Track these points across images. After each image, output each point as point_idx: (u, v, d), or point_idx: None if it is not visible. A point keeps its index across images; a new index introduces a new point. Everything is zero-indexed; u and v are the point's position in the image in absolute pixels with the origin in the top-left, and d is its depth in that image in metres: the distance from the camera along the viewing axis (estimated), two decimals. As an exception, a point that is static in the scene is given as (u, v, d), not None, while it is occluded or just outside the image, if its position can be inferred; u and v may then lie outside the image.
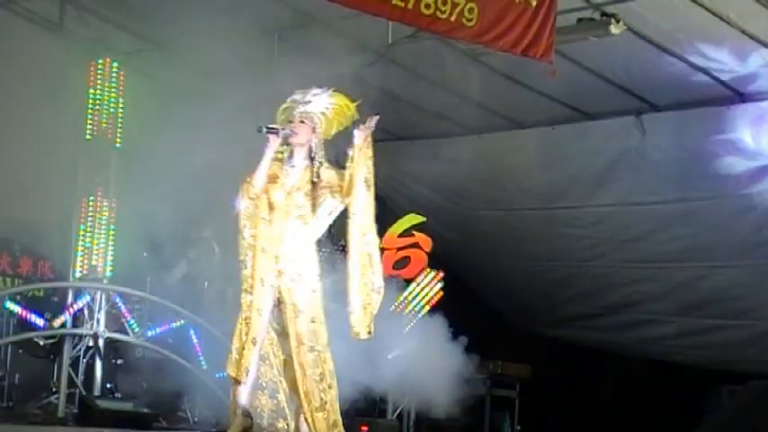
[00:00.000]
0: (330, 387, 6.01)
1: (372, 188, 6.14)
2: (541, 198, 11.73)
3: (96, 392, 8.58)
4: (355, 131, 6.07)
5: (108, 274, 8.93)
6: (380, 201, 12.61)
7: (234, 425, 5.89)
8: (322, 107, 6.10)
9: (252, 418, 5.91)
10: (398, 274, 10.52)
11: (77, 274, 8.86)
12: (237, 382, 5.90)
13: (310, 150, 6.06)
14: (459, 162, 11.91)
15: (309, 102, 6.08)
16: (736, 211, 10.63)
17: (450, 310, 10.50)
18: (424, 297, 10.63)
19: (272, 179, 5.98)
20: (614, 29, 8.72)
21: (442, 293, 10.69)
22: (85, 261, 8.86)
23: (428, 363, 10.00)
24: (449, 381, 9.89)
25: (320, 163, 6.06)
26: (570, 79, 9.77)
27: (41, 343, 8.50)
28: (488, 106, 11.24)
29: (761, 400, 8.78)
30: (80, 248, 8.86)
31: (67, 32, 9.81)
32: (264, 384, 6.00)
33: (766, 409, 8.66)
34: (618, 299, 12.18)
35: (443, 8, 7.56)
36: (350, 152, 6.05)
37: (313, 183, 6.01)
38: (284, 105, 6.17)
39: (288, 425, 6.00)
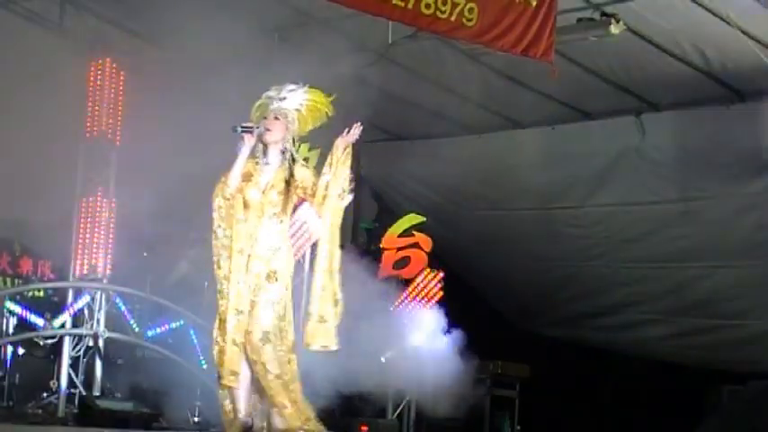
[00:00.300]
0: (295, 387, 5.90)
1: (346, 198, 6.04)
2: (541, 198, 11.73)
3: (96, 392, 8.58)
4: (337, 140, 6.01)
5: (108, 274, 8.92)
6: (380, 200, 12.76)
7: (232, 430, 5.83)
8: (297, 104, 5.98)
9: (252, 423, 5.85)
10: (398, 274, 10.53)
11: (77, 274, 8.85)
12: (227, 386, 5.81)
13: (286, 148, 5.98)
14: (460, 162, 11.91)
15: (284, 98, 5.96)
16: (735, 211, 10.63)
17: (449, 310, 10.50)
18: (423, 297, 10.62)
19: (247, 177, 5.88)
20: (614, 29, 8.72)
21: (441, 293, 10.68)
22: (85, 261, 8.86)
23: (428, 363, 10.01)
24: (449, 381, 9.89)
25: (293, 160, 5.96)
26: (570, 79, 9.77)
27: (41, 343, 8.50)
28: (488, 106, 11.25)
29: (760, 400, 8.78)
30: (80, 248, 8.86)
31: (67, 32, 9.80)
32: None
33: (766, 409, 8.66)
34: (618, 299, 12.17)
35: (443, 8, 7.57)
36: (328, 159, 5.97)
37: (287, 181, 5.91)
38: (259, 102, 6.06)
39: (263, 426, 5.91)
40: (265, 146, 5.94)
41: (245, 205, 5.87)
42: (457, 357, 10.01)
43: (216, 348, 5.83)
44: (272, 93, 6.00)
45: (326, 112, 6.10)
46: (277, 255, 5.90)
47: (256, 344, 5.78)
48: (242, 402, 5.85)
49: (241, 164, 5.86)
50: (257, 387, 5.87)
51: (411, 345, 10.12)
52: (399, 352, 9.96)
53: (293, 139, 6.01)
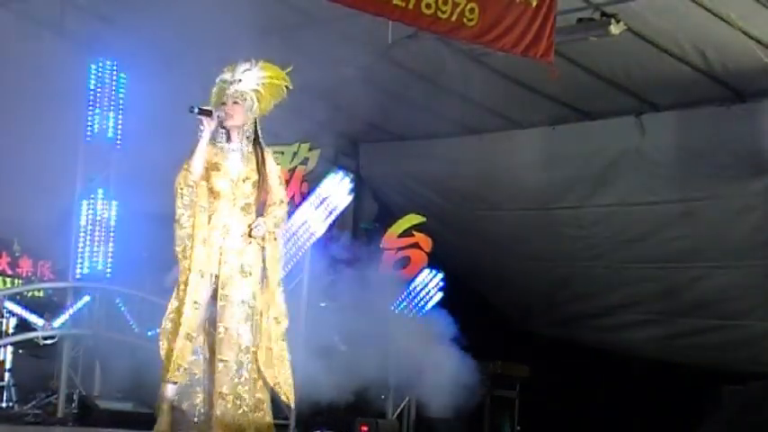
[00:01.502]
0: (262, 387, 5.76)
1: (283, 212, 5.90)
2: (541, 198, 11.73)
3: (96, 392, 8.58)
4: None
5: (108, 274, 8.92)
6: (380, 201, 12.76)
7: (162, 422, 5.61)
8: (254, 84, 5.77)
9: (182, 413, 5.65)
10: (398, 274, 10.52)
11: (77, 275, 8.85)
12: (170, 381, 5.57)
13: (250, 132, 5.79)
14: (460, 162, 11.91)
15: (240, 80, 5.74)
16: (735, 211, 10.63)
17: (449, 310, 10.50)
18: (423, 297, 10.62)
19: (214, 166, 5.68)
20: (614, 29, 8.72)
21: (441, 294, 10.68)
22: (85, 261, 8.85)
23: (428, 363, 10.01)
24: (449, 381, 9.89)
25: (262, 148, 5.79)
26: (570, 79, 9.77)
27: (41, 343, 8.49)
28: (488, 106, 11.25)
29: (760, 401, 8.78)
30: (80, 248, 8.86)
31: (67, 32, 9.80)
32: (198, 379, 5.71)
33: (766, 409, 8.65)
34: (618, 299, 12.17)
35: (444, 8, 7.56)
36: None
37: (259, 172, 5.74)
38: (214, 88, 5.85)
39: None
40: (228, 131, 5.75)
41: (214, 195, 5.68)
42: (457, 357, 10.00)
43: (164, 341, 5.62)
44: (226, 76, 5.80)
45: (285, 86, 5.87)
46: (249, 248, 5.73)
47: (227, 341, 5.61)
48: (171, 392, 5.63)
49: (203, 149, 5.65)
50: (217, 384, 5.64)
51: (411, 345, 10.10)
52: (400, 353, 9.95)
53: (256, 121, 5.82)
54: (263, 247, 5.77)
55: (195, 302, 5.61)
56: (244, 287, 5.68)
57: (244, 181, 5.73)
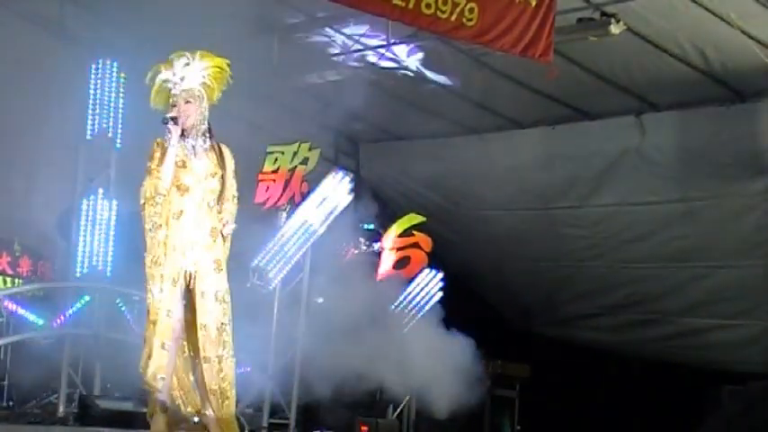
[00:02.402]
0: (231, 384, 5.72)
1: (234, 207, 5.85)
2: (541, 198, 11.73)
3: (96, 392, 8.57)
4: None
5: (108, 274, 8.92)
6: (380, 200, 12.76)
7: (158, 422, 5.62)
8: (200, 78, 5.68)
9: (175, 413, 5.66)
10: (398, 274, 10.52)
11: (77, 275, 8.85)
12: (153, 388, 5.56)
13: (205, 126, 5.72)
14: (460, 162, 11.91)
15: (183, 77, 5.66)
16: (735, 211, 10.64)
17: (449, 309, 10.50)
18: (423, 297, 10.62)
19: (181, 164, 5.62)
20: (614, 29, 8.72)
21: (441, 293, 10.67)
22: (86, 261, 8.85)
23: (428, 362, 10.01)
24: (449, 380, 9.90)
25: (217, 142, 5.74)
26: (570, 79, 9.78)
27: (41, 343, 8.48)
28: (488, 106, 11.25)
29: (760, 401, 8.78)
30: (80, 248, 8.85)
31: (67, 32, 9.80)
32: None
33: (766, 409, 8.66)
34: (618, 299, 12.18)
35: (444, 8, 7.56)
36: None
37: (222, 166, 5.70)
38: (155, 88, 5.72)
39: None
40: (183, 129, 5.67)
41: (181, 192, 5.64)
42: (457, 357, 10.00)
43: (145, 351, 5.58)
44: (165, 75, 5.69)
45: (228, 73, 5.75)
46: (217, 243, 5.70)
47: (208, 339, 5.61)
48: (164, 395, 5.63)
49: (173, 156, 5.59)
50: (199, 380, 5.67)
51: (411, 345, 10.10)
52: (400, 353, 9.95)
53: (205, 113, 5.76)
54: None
55: (168, 311, 5.58)
56: (218, 282, 5.67)
57: (210, 177, 5.70)
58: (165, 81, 5.69)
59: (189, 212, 5.65)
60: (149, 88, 5.75)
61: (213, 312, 5.64)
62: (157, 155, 5.63)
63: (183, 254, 5.63)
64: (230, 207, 5.79)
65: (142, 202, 5.64)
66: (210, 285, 5.65)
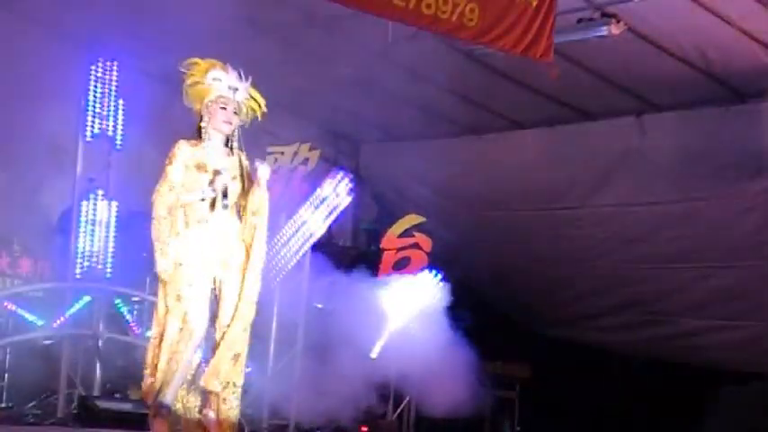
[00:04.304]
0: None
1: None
2: (541, 198, 11.72)
3: (96, 393, 8.57)
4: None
5: (108, 274, 8.91)
6: (380, 201, 12.75)
7: (158, 424, 5.58)
8: (242, 98, 5.78)
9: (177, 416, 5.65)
10: (398, 275, 10.51)
11: (77, 275, 8.84)
12: (159, 409, 5.53)
13: (235, 137, 5.79)
14: (460, 162, 11.91)
15: (237, 89, 5.75)
16: (736, 211, 10.63)
17: (450, 310, 10.48)
18: (422, 297, 10.60)
19: (202, 167, 5.66)
20: (614, 29, 8.72)
21: (441, 294, 10.66)
22: (85, 262, 8.84)
23: (428, 363, 10.00)
24: (449, 381, 9.89)
25: (239, 148, 5.79)
26: (570, 79, 9.77)
27: (41, 343, 8.48)
28: (489, 106, 11.24)
29: (760, 401, 8.80)
30: (80, 249, 8.85)
31: (67, 32, 9.79)
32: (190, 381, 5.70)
33: (766, 409, 8.67)
34: (618, 299, 12.17)
35: (444, 8, 7.56)
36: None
37: (242, 174, 5.76)
38: (201, 84, 5.74)
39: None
40: (211, 133, 5.73)
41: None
42: (457, 357, 9.99)
43: (154, 354, 5.57)
44: (219, 75, 5.74)
45: (259, 112, 5.86)
46: (238, 246, 5.72)
47: (239, 337, 5.67)
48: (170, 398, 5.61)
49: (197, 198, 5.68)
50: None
51: (411, 345, 10.09)
52: (399, 353, 9.93)
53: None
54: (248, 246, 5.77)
55: (192, 317, 5.57)
56: (237, 283, 5.69)
57: (235, 180, 5.73)
58: (216, 80, 5.72)
59: (211, 217, 5.67)
60: (187, 75, 5.77)
61: (243, 310, 5.66)
62: (177, 163, 5.65)
63: (209, 258, 5.63)
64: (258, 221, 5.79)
65: (156, 214, 5.63)
66: (231, 288, 5.67)
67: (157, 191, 5.63)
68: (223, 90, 5.71)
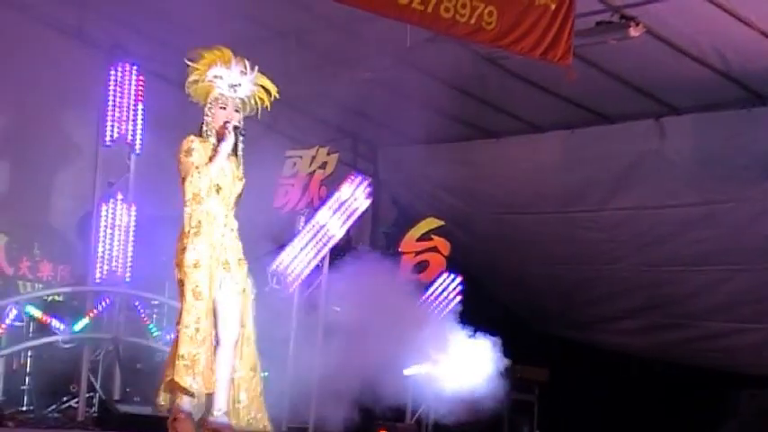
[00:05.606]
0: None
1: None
2: (560, 201, 11.70)
3: (116, 396, 8.59)
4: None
5: (127, 278, 8.94)
6: (399, 204, 12.75)
7: (180, 429, 5.50)
8: (248, 91, 5.68)
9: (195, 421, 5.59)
10: (417, 278, 10.50)
11: (97, 279, 8.88)
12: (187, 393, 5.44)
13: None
14: (478, 165, 11.90)
15: (239, 84, 5.63)
16: (755, 213, 10.58)
17: (468, 313, 10.47)
18: (442, 301, 10.59)
19: (211, 162, 5.60)
20: (633, 31, 8.67)
21: (460, 297, 10.65)
22: (105, 265, 8.88)
23: (446, 366, 10.00)
24: (467, 384, 9.87)
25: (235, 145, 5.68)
26: (589, 82, 9.74)
27: (61, 347, 8.51)
28: (507, 110, 11.23)
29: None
30: (99, 253, 8.88)
31: (86, 37, 9.84)
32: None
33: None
34: (637, 302, 12.13)
35: (463, 12, 7.55)
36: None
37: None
38: (202, 78, 5.64)
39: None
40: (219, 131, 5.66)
41: (216, 191, 5.60)
42: (476, 361, 9.98)
43: (187, 351, 5.44)
44: (220, 72, 5.63)
45: (272, 99, 5.75)
46: (239, 241, 5.71)
47: (250, 335, 5.69)
48: (223, 402, 5.59)
49: (224, 157, 5.61)
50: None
51: (429, 349, 10.08)
52: (417, 356, 9.93)
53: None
54: None
55: (211, 315, 5.55)
56: (242, 278, 5.69)
57: (237, 180, 5.70)
58: (217, 77, 5.64)
59: (220, 214, 5.64)
60: (189, 70, 5.68)
61: (248, 307, 5.68)
62: (198, 154, 5.58)
63: (218, 254, 5.61)
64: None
65: (189, 197, 5.58)
66: (237, 284, 5.64)
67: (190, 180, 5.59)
68: (223, 88, 5.64)
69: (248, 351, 5.70)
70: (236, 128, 5.61)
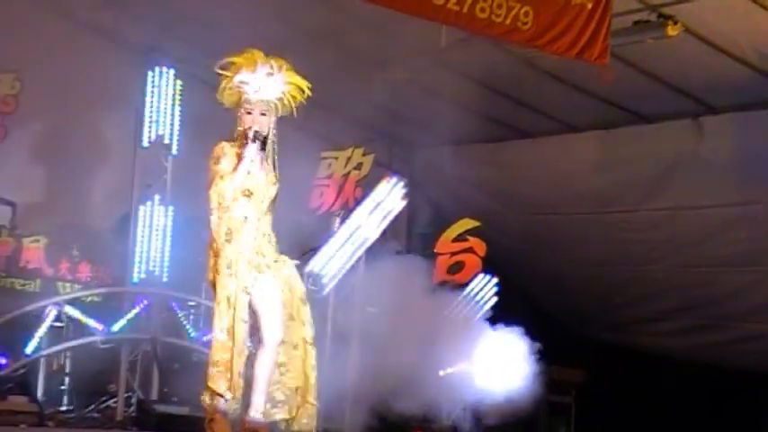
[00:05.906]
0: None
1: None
2: (597, 202, 11.64)
3: (153, 396, 8.65)
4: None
5: (164, 279, 9.00)
6: (434, 205, 12.73)
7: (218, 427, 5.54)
8: (278, 93, 5.65)
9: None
10: (452, 279, 10.48)
11: (135, 280, 8.94)
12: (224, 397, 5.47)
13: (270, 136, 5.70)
14: (514, 166, 11.86)
15: (264, 88, 5.61)
16: (793, 214, 10.49)
17: (504, 315, 10.44)
18: (478, 302, 10.57)
19: (236, 170, 5.62)
20: (671, 30, 8.61)
21: (496, 298, 10.62)
22: (143, 266, 8.94)
23: (483, 368, 9.97)
24: (504, 386, 9.85)
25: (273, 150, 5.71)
26: (626, 82, 9.68)
27: (100, 348, 8.58)
28: (543, 110, 11.19)
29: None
30: (137, 254, 8.95)
31: (124, 40, 9.91)
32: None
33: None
34: (675, 303, 12.04)
35: (498, 12, 7.52)
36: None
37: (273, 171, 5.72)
38: (229, 85, 5.62)
39: None
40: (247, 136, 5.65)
41: (246, 195, 5.60)
42: (512, 362, 9.95)
43: (220, 357, 5.49)
44: (246, 78, 5.62)
45: (306, 96, 5.70)
46: (273, 246, 5.72)
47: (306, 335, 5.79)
48: (260, 407, 5.64)
49: (248, 163, 5.59)
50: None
51: (466, 350, 10.06)
52: (454, 358, 9.92)
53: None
54: None
55: (242, 319, 5.55)
56: (283, 279, 5.72)
57: (271, 185, 5.71)
58: (243, 83, 5.65)
59: (252, 219, 5.64)
60: (221, 78, 5.68)
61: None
62: (227, 160, 5.61)
63: (251, 258, 5.61)
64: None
65: (213, 205, 5.61)
66: (272, 286, 5.66)
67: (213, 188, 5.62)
68: (249, 93, 5.64)
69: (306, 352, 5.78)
70: (256, 133, 5.59)
